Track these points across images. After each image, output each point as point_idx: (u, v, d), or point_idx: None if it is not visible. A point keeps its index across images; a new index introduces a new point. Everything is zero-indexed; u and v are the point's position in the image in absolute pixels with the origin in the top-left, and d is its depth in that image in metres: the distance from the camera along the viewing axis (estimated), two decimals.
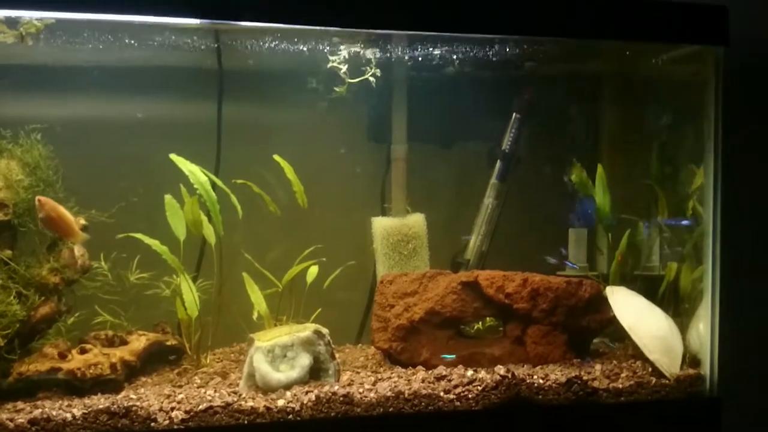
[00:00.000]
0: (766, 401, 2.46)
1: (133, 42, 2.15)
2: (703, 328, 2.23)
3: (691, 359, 2.24)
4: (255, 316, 2.27)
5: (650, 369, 2.18)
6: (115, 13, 1.88)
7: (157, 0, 1.87)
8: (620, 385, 2.11)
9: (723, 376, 2.19)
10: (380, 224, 2.56)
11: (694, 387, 2.17)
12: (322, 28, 2.02)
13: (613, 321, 2.26)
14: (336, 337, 2.15)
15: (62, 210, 2.07)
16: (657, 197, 2.47)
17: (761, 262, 2.43)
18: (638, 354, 2.23)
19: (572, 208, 2.65)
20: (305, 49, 2.29)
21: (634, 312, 2.24)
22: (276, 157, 2.29)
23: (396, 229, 2.54)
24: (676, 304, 2.35)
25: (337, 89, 2.36)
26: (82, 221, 2.16)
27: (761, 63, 2.42)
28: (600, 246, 2.62)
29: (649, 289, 2.39)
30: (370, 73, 2.31)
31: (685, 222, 2.40)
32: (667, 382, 2.15)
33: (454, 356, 2.22)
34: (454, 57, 2.43)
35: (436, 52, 2.38)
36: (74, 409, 1.87)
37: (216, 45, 2.33)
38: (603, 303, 2.29)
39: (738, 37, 2.14)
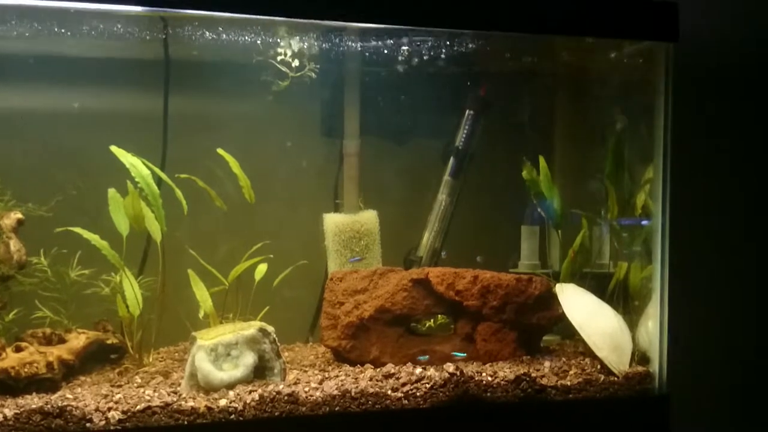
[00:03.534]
0: (714, 398, 2.47)
1: (71, 31, 2.09)
2: (652, 325, 2.23)
3: (640, 357, 2.24)
4: (201, 314, 2.22)
5: (599, 366, 2.18)
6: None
7: None
8: (569, 383, 2.10)
9: (672, 373, 2.19)
10: (332, 220, 2.52)
11: (643, 384, 2.16)
12: (271, 18, 1.98)
13: (563, 318, 2.25)
14: (287, 335, 2.11)
15: None
16: (608, 195, 2.46)
17: (710, 259, 2.44)
18: (587, 351, 2.23)
19: (524, 205, 2.64)
20: (258, 41, 2.25)
21: (583, 309, 2.23)
22: (220, 151, 2.24)
23: (348, 225, 2.50)
24: (626, 301, 2.35)
25: (281, 83, 2.32)
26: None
27: (712, 59, 2.43)
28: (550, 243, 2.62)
29: (599, 286, 2.38)
30: (307, 68, 2.27)
31: (635, 220, 2.40)
32: (616, 379, 2.14)
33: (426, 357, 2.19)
34: (409, 51, 2.40)
35: (391, 45, 2.35)
36: (6, 409, 1.80)
37: (163, 35, 2.27)
38: (553, 300, 2.28)
39: (688, 33, 2.14)
